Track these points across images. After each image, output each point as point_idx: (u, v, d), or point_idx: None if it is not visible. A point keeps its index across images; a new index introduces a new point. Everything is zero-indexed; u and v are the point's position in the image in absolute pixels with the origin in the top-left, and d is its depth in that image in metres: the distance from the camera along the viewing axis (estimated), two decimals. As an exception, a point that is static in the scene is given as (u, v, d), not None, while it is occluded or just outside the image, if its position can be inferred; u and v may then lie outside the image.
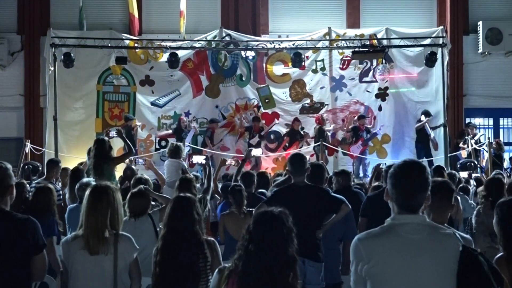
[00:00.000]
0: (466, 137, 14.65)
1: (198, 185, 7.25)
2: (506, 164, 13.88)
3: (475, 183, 9.81)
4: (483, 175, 11.83)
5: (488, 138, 14.04)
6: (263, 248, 2.85)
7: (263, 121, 15.07)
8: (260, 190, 7.27)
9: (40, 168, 10.86)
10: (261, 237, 2.88)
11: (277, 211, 2.97)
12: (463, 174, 10.31)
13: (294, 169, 5.39)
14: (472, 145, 13.87)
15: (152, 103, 15.29)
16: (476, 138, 14.45)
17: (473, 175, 10.72)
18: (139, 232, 4.92)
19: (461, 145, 14.78)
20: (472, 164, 12.75)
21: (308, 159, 5.74)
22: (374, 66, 15.48)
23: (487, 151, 13.11)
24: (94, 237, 3.73)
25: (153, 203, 6.05)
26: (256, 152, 9.89)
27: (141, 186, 5.89)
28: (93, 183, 5.30)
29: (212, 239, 4.17)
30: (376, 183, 7.36)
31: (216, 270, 3.11)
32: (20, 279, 3.55)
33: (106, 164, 7.34)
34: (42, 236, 3.61)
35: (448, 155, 13.30)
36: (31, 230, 3.54)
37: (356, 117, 14.88)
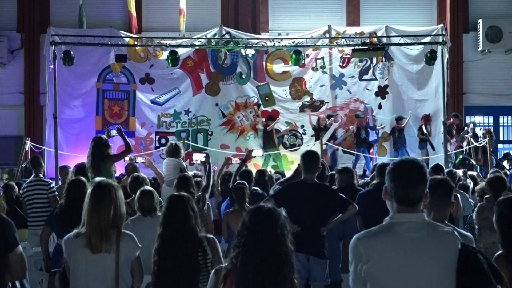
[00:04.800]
0: (465, 135, 14.63)
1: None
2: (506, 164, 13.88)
3: (471, 181, 9.81)
4: (478, 171, 11.83)
5: (487, 128, 14.00)
6: (261, 243, 2.86)
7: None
8: (254, 188, 7.21)
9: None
10: (258, 233, 2.88)
11: (270, 206, 2.99)
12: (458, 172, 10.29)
13: (306, 166, 5.39)
14: (471, 143, 13.85)
15: (152, 101, 15.28)
16: (469, 129, 14.45)
17: (469, 173, 10.70)
18: (152, 229, 4.89)
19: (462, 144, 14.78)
20: (467, 162, 12.76)
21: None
22: (374, 64, 15.48)
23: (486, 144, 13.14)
24: (96, 235, 3.71)
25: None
26: (256, 152, 9.90)
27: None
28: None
29: (212, 236, 4.18)
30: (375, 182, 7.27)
31: (213, 271, 3.10)
32: None
33: (103, 162, 7.32)
34: (15, 235, 3.62)
35: (448, 153, 13.30)
36: (1, 228, 3.56)
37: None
